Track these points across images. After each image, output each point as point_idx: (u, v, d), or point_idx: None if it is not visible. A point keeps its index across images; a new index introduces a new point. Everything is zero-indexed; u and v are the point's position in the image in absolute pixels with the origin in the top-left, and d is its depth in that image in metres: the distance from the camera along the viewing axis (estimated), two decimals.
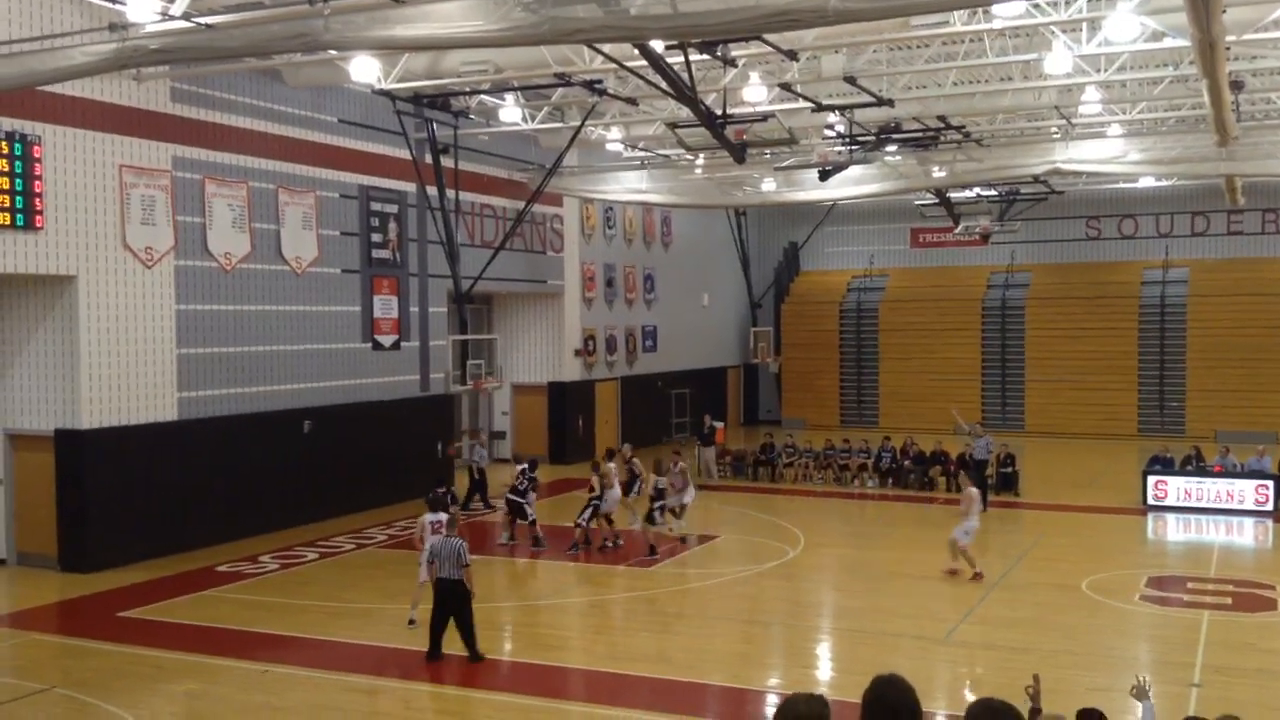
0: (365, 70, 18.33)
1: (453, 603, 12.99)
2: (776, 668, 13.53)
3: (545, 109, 24.03)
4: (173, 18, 13.03)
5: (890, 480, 26.49)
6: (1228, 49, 16.13)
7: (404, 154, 24.31)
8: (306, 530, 20.81)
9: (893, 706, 4.07)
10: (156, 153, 18.90)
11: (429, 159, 24.75)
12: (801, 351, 40.39)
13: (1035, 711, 5.37)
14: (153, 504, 18.61)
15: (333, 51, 16.87)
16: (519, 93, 22.36)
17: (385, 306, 24.27)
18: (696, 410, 35.42)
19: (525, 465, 20.11)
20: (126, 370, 18.39)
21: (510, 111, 23.51)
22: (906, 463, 26.64)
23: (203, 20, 12.91)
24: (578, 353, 31.34)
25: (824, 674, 13.32)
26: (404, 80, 20.44)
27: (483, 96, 22.72)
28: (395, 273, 24.56)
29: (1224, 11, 14.24)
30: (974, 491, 17.62)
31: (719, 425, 30.94)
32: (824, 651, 14.31)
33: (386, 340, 24.27)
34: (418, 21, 12.23)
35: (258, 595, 16.54)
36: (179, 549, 18.73)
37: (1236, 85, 19.54)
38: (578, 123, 24.09)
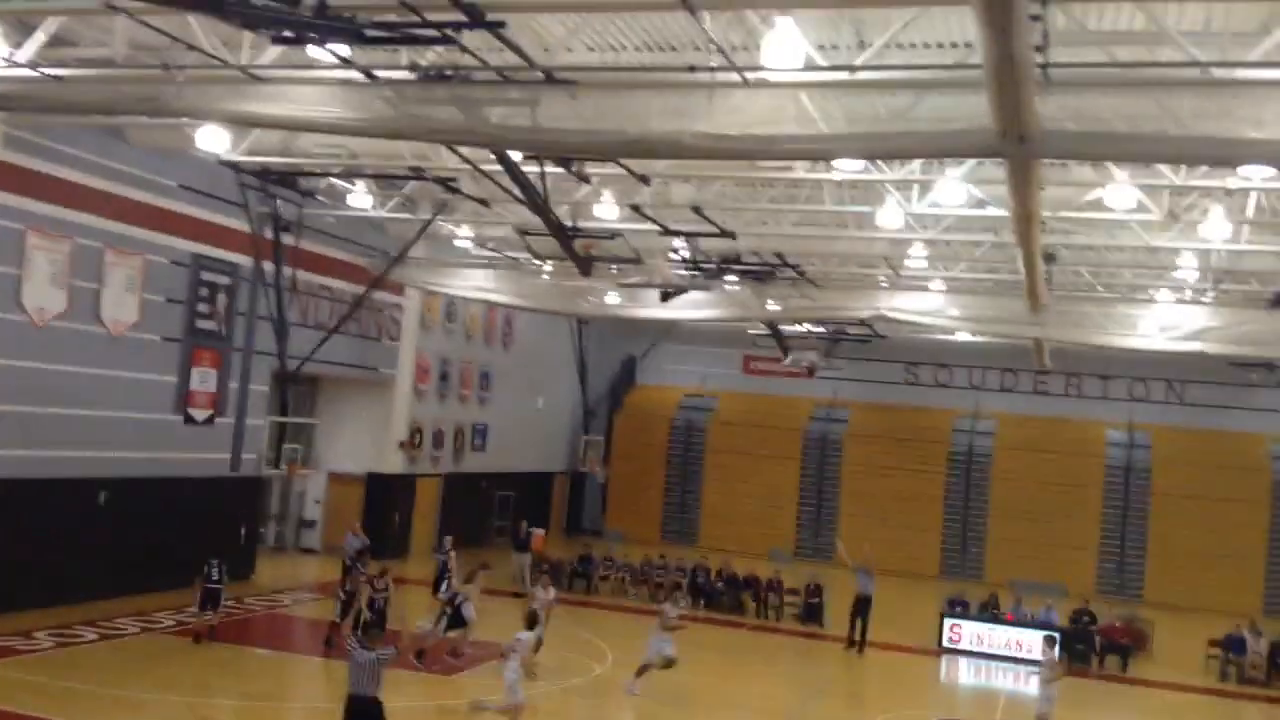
0: (213, 140, 17.95)
1: None
2: None
3: (396, 199, 23.96)
4: (18, 64, 12.58)
5: (703, 601, 26.66)
6: (1043, 224, 17.43)
7: (244, 226, 23.78)
8: (91, 608, 19.47)
9: None
10: None
11: (269, 234, 24.27)
12: (630, 463, 40.67)
13: None
14: None
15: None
16: (371, 180, 22.26)
17: (204, 379, 23.37)
18: (520, 513, 35.08)
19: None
20: None
21: (360, 197, 23.34)
22: (720, 584, 26.90)
23: (51, 72, 12.51)
24: (402, 445, 30.73)
25: None
26: (253, 153, 20.09)
27: (333, 179, 22.52)
28: (219, 345, 23.75)
29: (1042, 189, 15.45)
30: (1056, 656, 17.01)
31: (538, 531, 30.68)
32: None
33: (200, 414, 23.31)
34: (275, 100, 12.16)
35: (27, 674, 15.38)
36: None
37: (1049, 257, 21.02)
38: (428, 215, 24.08)
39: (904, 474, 37.98)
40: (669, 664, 17.23)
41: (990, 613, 24.87)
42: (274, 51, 11.83)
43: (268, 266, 24.46)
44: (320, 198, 24.19)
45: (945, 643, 23.95)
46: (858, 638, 22.64)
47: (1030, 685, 21.85)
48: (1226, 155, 11.63)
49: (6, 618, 17.98)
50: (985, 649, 23.64)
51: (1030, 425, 38.05)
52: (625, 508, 40.46)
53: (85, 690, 14.76)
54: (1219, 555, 34.13)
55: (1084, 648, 23.40)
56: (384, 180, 22.19)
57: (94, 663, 16.46)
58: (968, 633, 23.97)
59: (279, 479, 28.22)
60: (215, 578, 18.76)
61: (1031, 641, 23.43)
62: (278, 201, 23.75)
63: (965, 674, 22.85)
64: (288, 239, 24.57)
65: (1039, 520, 36.08)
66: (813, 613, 25.88)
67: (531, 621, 14.71)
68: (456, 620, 18.59)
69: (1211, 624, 24.63)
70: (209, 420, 23.49)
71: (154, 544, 21.28)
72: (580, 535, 38.54)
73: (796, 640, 24.21)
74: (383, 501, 29.92)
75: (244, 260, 24.12)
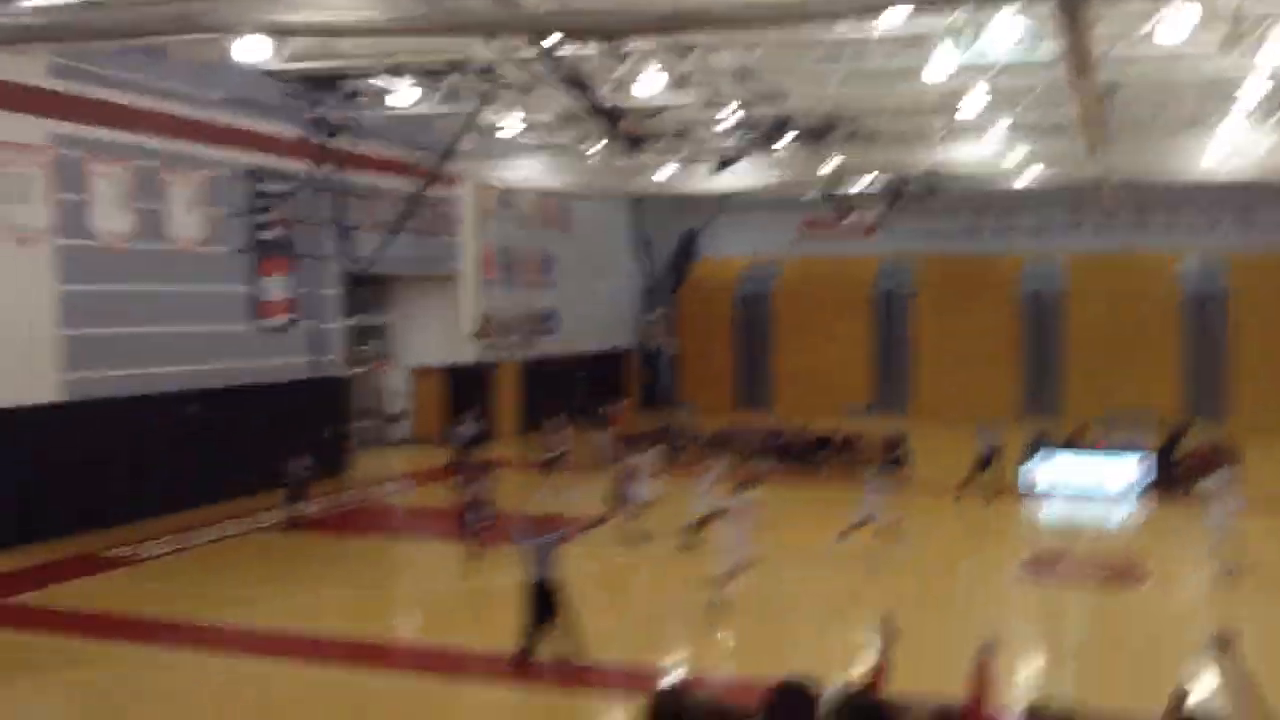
0: (252, 50, 18.00)
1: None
2: (668, 648, 13.91)
3: (440, 93, 23.92)
4: None
5: (783, 463, 27.06)
6: (1100, 59, 16.92)
7: (295, 134, 24.02)
8: (195, 514, 20.53)
9: None
10: (33, 128, 18.40)
11: (320, 139, 24.48)
12: (699, 336, 40.99)
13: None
14: (35, 487, 18.21)
15: None
16: (413, 77, 22.24)
17: (274, 288, 23.99)
18: (595, 393, 35.71)
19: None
20: (3, 352, 17.92)
21: (404, 95, 23.35)
22: (797, 445, 27.29)
23: None
24: (475, 335, 31.32)
25: (725, 655, 13.76)
26: (294, 60, 20.19)
27: (376, 80, 22.54)
28: (285, 253, 24.27)
29: (1097, 22, 14.98)
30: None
31: (619, 406, 31.35)
32: (727, 635, 14.72)
33: (276, 321, 23.99)
34: (304, 7, 12.19)
35: (146, 580, 16.38)
36: (64, 533, 18.33)
37: (1108, 91, 20.43)
38: (473, 107, 24.06)
39: (975, 322, 37.76)
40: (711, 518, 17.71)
41: (1077, 446, 24.85)
42: None
43: (323, 172, 24.74)
44: (365, 98, 24.27)
45: (1030, 481, 24.04)
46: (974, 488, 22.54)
47: (1118, 512, 22.12)
48: None
49: (120, 530, 19.05)
50: (1071, 483, 23.69)
51: (1100, 262, 37.43)
52: (698, 379, 40.91)
53: (199, 592, 15.68)
54: None
55: (1173, 473, 23.36)
56: (426, 76, 22.16)
57: (205, 565, 17.43)
58: (1053, 468, 24.00)
59: (362, 377, 29.03)
60: (301, 471, 19.65)
61: (1118, 470, 23.49)
62: (324, 106, 23.89)
63: (1052, 509, 22.97)
64: (339, 142, 24.75)
65: (1116, 355, 35.81)
66: (894, 465, 26.14)
67: (749, 485, 14.99)
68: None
69: None
70: (285, 327, 24.18)
71: (248, 449, 22.19)
72: (656, 409, 39.13)
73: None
74: (463, 391, 30.68)
75: (299, 167, 24.43)
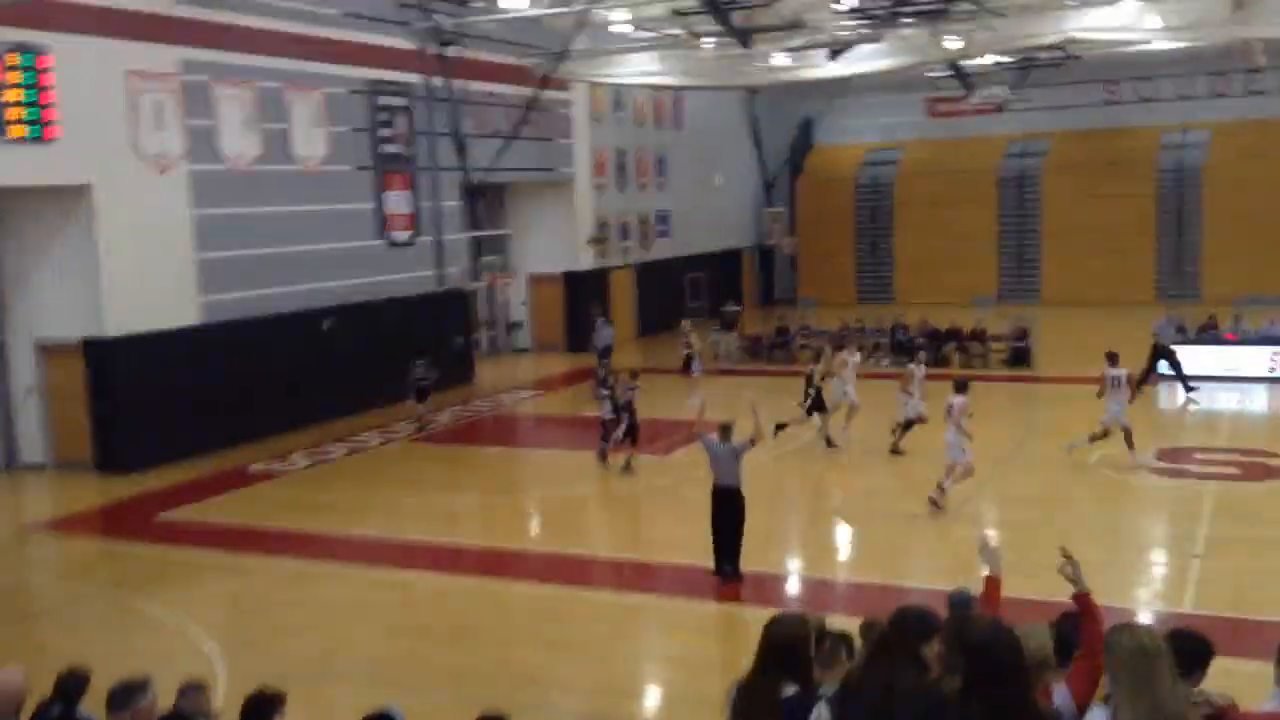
0: None
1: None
2: (794, 551, 13.96)
3: None
4: None
5: (905, 358, 26.62)
6: None
7: (408, 45, 24.05)
8: (333, 427, 21.26)
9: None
10: (163, 56, 18.80)
11: (434, 49, 24.47)
12: (817, 228, 40.24)
13: (1080, 596, 5.27)
14: (181, 407, 19.03)
15: None
16: None
17: (398, 202, 24.32)
18: (713, 294, 35.54)
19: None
20: (147, 277, 18.63)
21: None
22: (920, 339, 26.76)
23: None
24: (590, 240, 31.34)
25: (843, 556, 13.79)
26: None
27: None
28: (406, 167, 24.52)
29: None
30: None
31: (738, 309, 31.22)
32: (841, 533, 14.72)
33: (401, 236, 24.39)
34: None
35: (290, 493, 17.08)
36: (210, 450, 19.17)
37: None
38: (581, 5, 23.69)
39: (1110, 201, 36.14)
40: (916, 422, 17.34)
41: (1209, 335, 23.97)
42: None
43: (438, 82, 24.78)
44: (476, 4, 24.11)
45: (1163, 370, 23.24)
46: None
47: (1254, 403, 21.25)
48: None
49: (263, 445, 19.84)
50: (1205, 372, 22.83)
51: (1246, 131, 35.31)
52: (816, 274, 40.30)
53: (343, 501, 16.30)
54: None
55: None
56: None
57: (345, 475, 18.08)
58: (1186, 357, 23.15)
59: (483, 288, 29.41)
60: (421, 374, 20.61)
61: (1255, 358, 22.61)
62: (437, 15, 23.82)
63: (1185, 400, 22.20)
64: (452, 51, 24.69)
65: (1261, 232, 33.94)
66: (1020, 357, 25.56)
67: (961, 387, 14.85)
68: (818, 404, 18.69)
69: None
70: (410, 241, 24.56)
71: (379, 362, 22.76)
72: (774, 306, 38.81)
73: (1006, 385, 24.05)
74: (581, 297, 30.88)
75: (415, 80, 24.51)
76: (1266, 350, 22.74)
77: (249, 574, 13.25)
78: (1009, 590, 5.69)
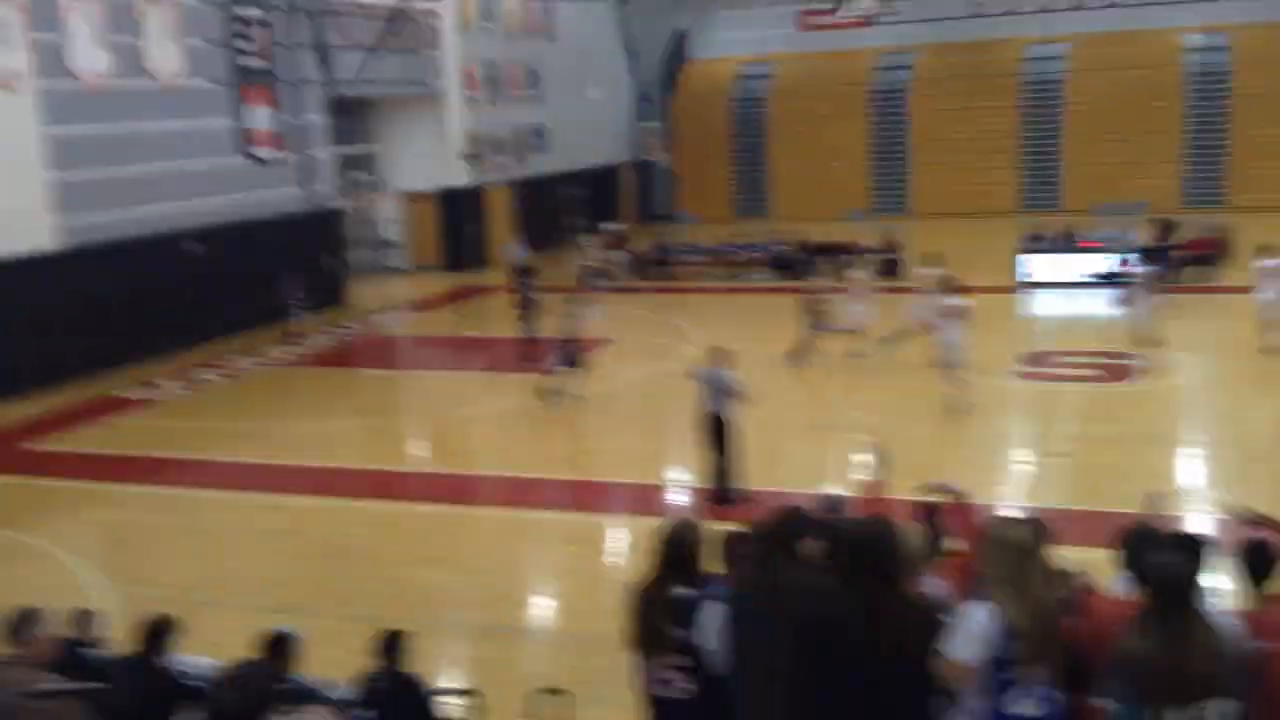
0: None
1: None
2: (681, 462, 14.20)
3: None
4: None
5: (780, 272, 27.06)
6: None
7: None
8: (203, 351, 20.66)
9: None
10: None
11: None
12: (693, 144, 40.23)
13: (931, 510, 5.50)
14: (41, 333, 18.22)
15: None
16: None
17: (260, 118, 23.41)
18: (591, 210, 35.33)
19: None
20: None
21: None
22: (798, 254, 27.18)
23: None
24: (464, 156, 30.75)
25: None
26: None
27: None
28: (267, 81, 23.59)
29: None
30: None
31: (612, 228, 31.17)
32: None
33: (264, 153, 23.53)
34: None
35: (163, 420, 16.61)
36: (75, 378, 18.43)
37: None
38: None
39: (975, 113, 36.96)
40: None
41: (1066, 243, 24.88)
42: None
43: None
44: None
45: (1025, 277, 24.14)
46: None
47: (1110, 306, 22.25)
48: None
49: (131, 371, 19.18)
50: (1065, 278, 23.79)
51: (1104, 42, 36.38)
52: (694, 189, 40.38)
53: (218, 427, 15.91)
54: None
55: (1166, 262, 23.40)
56: None
57: (221, 400, 17.64)
58: (1046, 264, 24.09)
59: (354, 206, 28.67)
60: (294, 293, 20.79)
61: (1112, 263, 23.56)
62: None
63: (1046, 306, 23.14)
64: None
65: (1117, 141, 35.18)
66: (891, 268, 26.16)
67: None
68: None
69: None
70: (272, 158, 23.72)
71: (246, 283, 22.08)
72: (653, 223, 38.84)
73: (878, 296, 24.61)
74: (456, 215, 30.38)
75: None
76: (1121, 256, 23.67)
77: (126, 503, 12.91)
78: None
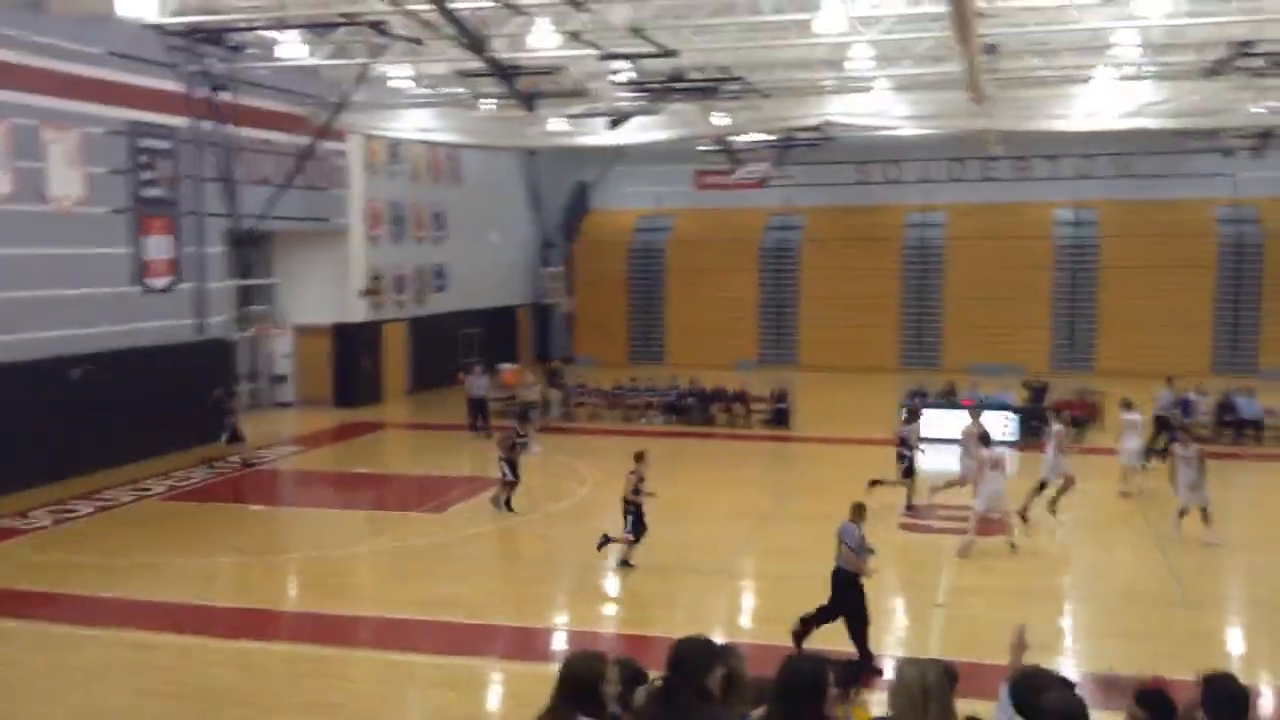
0: (136, 4, 17.43)
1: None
2: (566, 607, 14.17)
3: (329, 45, 23.41)
4: None
5: (675, 416, 27.54)
6: (982, 14, 17.43)
7: (178, 88, 23.27)
8: (81, 483, 20.00)
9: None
10: None
11: (204, 93, 23.78)
12: (593, 289, 41.15)
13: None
14: None
15: None
16: (301, 29, 21.71)
17: (158, 248, 23.30)
18: (488, 350, 35.60)
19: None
20: None
21: (292, 47, 22.78)
22: (690, 399, 27.76)
23: None
24: (364, 292, 30.88)
25: (609, 610, 14.06)
26: (179, 13, 19.54)
27: (263, 31, 21.94)
28: (169, 212, 23.58)
29: None
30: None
31: (508, 368, 31.40)
32: (610, 587, 15.03)
33: (159, 282, 23.34)
34: None
35: (33, 553, 15.96)
36: None
37: (989, 48, 21.06)
38: (363, 59, 23.60)
39: (861, 273, 38.64)
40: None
41: (948, 399, 25.88)
42: None
43: (207, 126, 24.06)
44: (251, 51, 23.62)
45: (908, 433, 24.90)
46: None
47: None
48: None
49: (6, 500, 18.45)
50: (945, 435, 24.62)
51: (980, 213, 38.60)
52: (592, 333, 41.11)
53: (91, 562, 15.35)
54: (1167, 321, 35.39)
55: (1039, 423, 24.48)
56: (315, 28, 21.65)
57: (96, 534, 17.04)
58: (928, 420, 24.93)
59: (247, 339, 28.43)
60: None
61: (989, 423, 24.53)
62: (209, 59, 23.18)
63: (927, 460, 23.83)
64: (224, 96, 24.07)
65: (993, 305, 37.05)
66: (780, 417, 26.84)
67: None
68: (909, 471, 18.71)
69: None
70: (168, 288, 23.54)
71: (133, 414, 21.64)
72: (550, 364, 39.18)
73: (767, 445, 25.22)
74: (351, 350, 30.32)
75: (182, 123, 23.69)
76: (999, 415, 24.72)
77: None
78: (768, 637, 6.10)
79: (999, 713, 5.03)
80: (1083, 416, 25.38)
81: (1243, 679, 5.12)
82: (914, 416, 19.34)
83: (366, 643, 12.53)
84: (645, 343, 40.93)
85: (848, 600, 11.18)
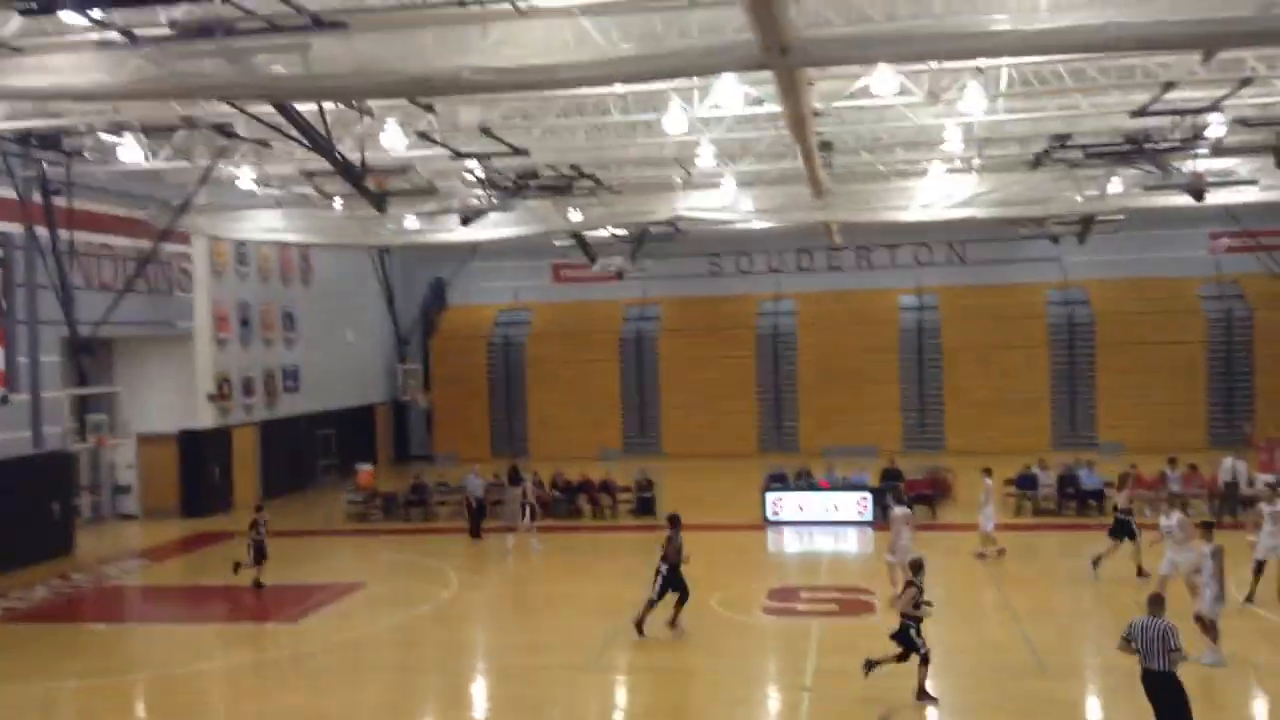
0: None
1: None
2: (430, 716, 13.77)
3: (169, 148, 22.93)
4: None
5: (539, 510, 27.19)
6: (818, 114, 18.25)
7: (10, 194, 22.46)
8: None
9: None
10: None
11: (39, 198, 23.00)
12: (451, 386, 40.76)
13: None
14: None
15: None
16: (141, 133, 21.25)
17: None
18: (345, 451, 34.84)
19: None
20: None
21: (130, 150, 22.20)
22: (555, 492, 27.55)
23: None
24: (211, 397, 29.92)
25: (478, 715, 13.72)
26: (11, 119, 18.92)
27: (100, 134, 21.39)
28: (0, 321, 22.52)
29: (811, 84, 16.18)
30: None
31: (364, 468, 30.75)
32: (477, 692, 14.70)
33: None
34: (30, 71, 11.59)
35: None
36: None
37: (825, 146, 22.03)
38: (205, 161, 23.19)
39: (716, 361, 39.35)
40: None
41: (805, 482, 26.38)
42: (21, 21, 11.23)
43: (41, 232, 23.23)
44: (88, 154, 22.95)
45: (769, 516, 25.32)
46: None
47: (847, 544, 23.55)
48: (976, 47, 12.44)
49: None
50: (805, 517, 25.13)
51: (827, 300, 39.87)
52: (452, 429, 40.62)
53: None
54: (1008, 400, 36.95)
55: (891, 504, 25.12)
56: (155, 132, 21.22)
57: None
58: (788, 503, 25.41)
59: (87, 450, 27.14)
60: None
61: (847, 503, 25.13)
62: (43, 164, 22.47)
63: (789, 543, 24.24)
64: (59, 201, 23.33)
65: (844, 389, 38.07)
66: (645, 506, 26.86)
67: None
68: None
69: (1007, 465, 26.63)
70: (2, 400, 22.38)
71: None
72: (410, 462, 38.55)
73: (633, 535, 25.17)
74: (199, 457, 29.26)
75: (16, 229, 22.79)
76: (855, 495, 25.32)
77: None
78: None
79: None
80: (935, 494, 26.15)
81: None
82: None
83: None
84: (507, 436, 40.62)
85: None
